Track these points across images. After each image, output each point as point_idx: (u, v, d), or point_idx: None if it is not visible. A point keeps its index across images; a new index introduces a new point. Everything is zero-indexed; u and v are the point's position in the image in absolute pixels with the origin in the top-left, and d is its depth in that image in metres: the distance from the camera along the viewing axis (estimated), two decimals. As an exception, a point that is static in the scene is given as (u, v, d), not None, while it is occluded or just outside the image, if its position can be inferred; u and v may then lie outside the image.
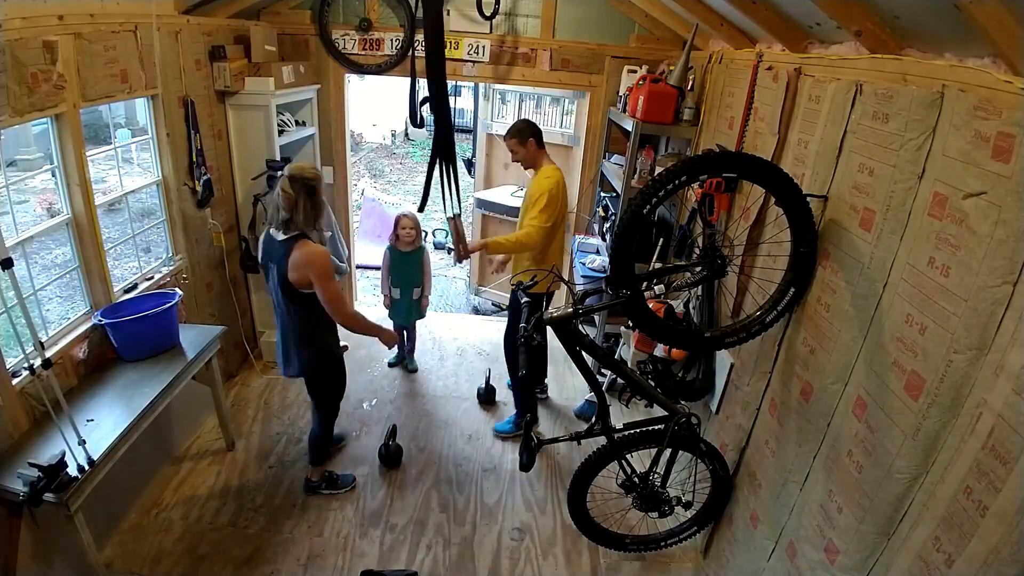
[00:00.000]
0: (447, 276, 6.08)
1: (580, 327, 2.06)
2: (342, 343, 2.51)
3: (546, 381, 3.67)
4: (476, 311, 5.19)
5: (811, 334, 1.82)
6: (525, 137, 2.91)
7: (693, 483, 2.27)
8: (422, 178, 3.15)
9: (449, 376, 3.89)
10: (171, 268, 2.97)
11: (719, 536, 2.38)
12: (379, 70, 3.75)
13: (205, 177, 3.07)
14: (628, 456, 2.22)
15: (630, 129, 3.09)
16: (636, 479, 2.23)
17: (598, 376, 2.51)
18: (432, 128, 2.85)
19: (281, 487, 2.82)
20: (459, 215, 2.89)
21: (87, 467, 1.91)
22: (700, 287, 2.46)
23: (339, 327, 2.48)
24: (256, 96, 3.23)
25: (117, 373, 2.42)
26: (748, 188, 2.32)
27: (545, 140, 3.00)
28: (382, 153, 12.01)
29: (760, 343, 2.06)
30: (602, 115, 3.86)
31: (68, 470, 1.84)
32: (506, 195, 4.87)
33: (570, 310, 1.95)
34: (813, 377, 1.78)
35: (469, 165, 5.41)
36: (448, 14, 3.64)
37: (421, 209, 3.12)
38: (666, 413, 2.12)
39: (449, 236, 4.31)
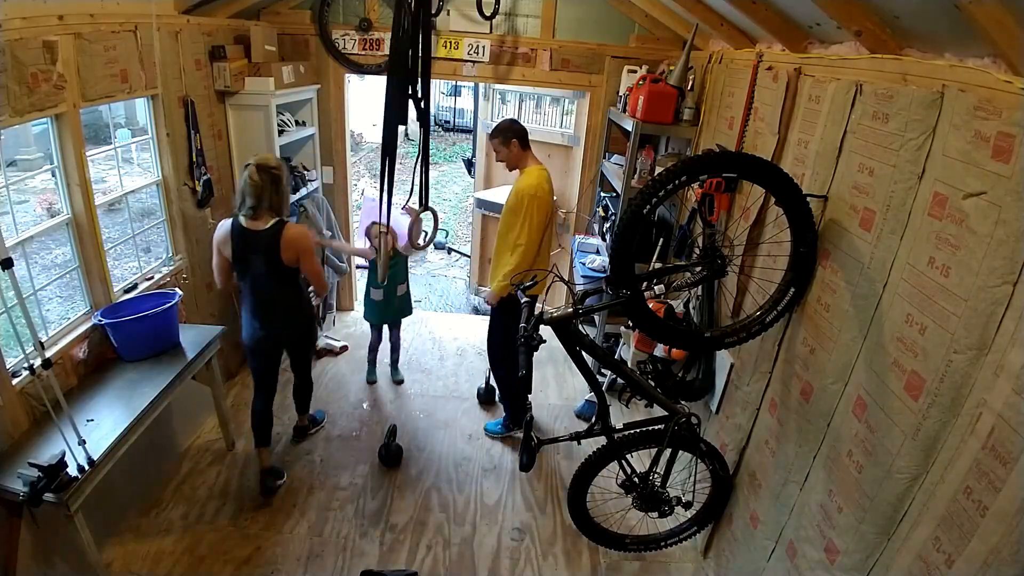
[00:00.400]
0: (447, 276, 6.08)
1: (580, 327, 2.06)
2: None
3: (529, 399, 3.09)
4: (476, 311, 5.19)
5: (811, 334, 1.82)
6: (508, 137, 2.84)
7: (693, 483, 2.27)
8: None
9: (449, 376, 3.89)
10: (171, 268, 2.97)
11: (719, 536, 2.38)
12: (379, 70, 3.74)
13: (205, 177, 3.07)
14: (628, 456, 2.22)
15: (630, 129, 3.09)
16: (636, 479, 2.22)
17: (598, 376, 2.51)
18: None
19: (281, 487, 2.82)
20: (416, 211, 2.86)
21: (87, 467, 1.91)
22: (700, 287, 2.46)
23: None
24: (256, 96, 3.23)
25: (117, 373, 2.42)
26: (748, 188, 2.32)
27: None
28: (382, 153, 11.98)
29: (760, 343, 2.06)
30: (602, 115, 3.86)
31: (68, 470, 1.84)
32: (506, 195, 4.86)
33: (570, 310, 1.95)
34: (813, 377, 1.78)
35: (469, 165, 5.41)
36: (448, 14, 3.65)
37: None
38: (666, 413, 2.12)
39: (450, 236, 4.31)
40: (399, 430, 3.15)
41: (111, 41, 2.35)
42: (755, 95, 2.39)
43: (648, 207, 1.58)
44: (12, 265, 1.67)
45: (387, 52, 3.72)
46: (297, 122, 3.71)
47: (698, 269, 1.97)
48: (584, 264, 3.64)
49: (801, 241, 1.75)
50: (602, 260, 3.64)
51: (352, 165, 5.51)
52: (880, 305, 1.50)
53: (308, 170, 3.83)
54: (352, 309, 4.65)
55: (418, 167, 2.50)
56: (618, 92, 3.64)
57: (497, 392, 3.56)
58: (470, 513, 2.77)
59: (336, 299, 4.42)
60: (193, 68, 2.96)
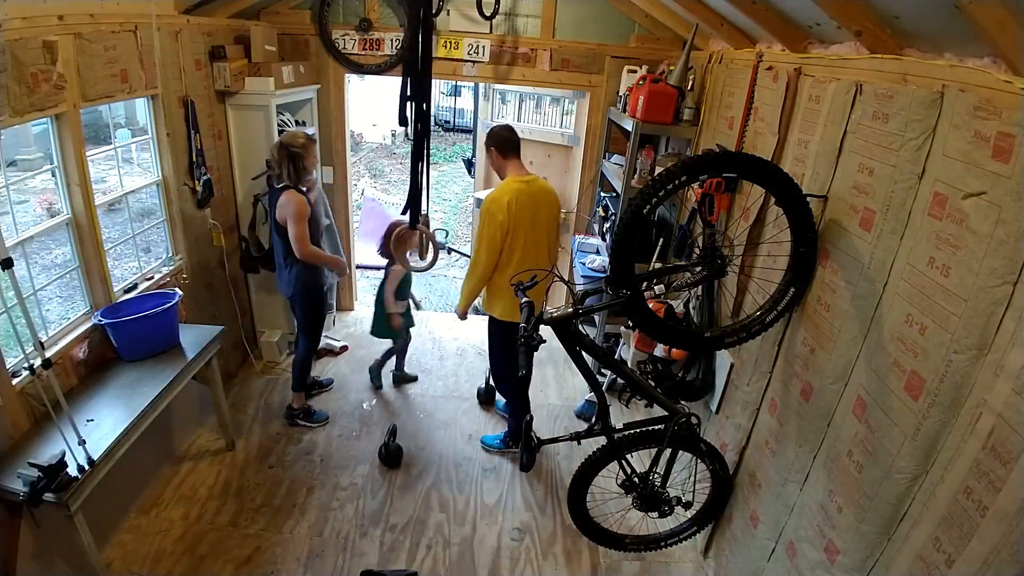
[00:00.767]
0: (447, 276, 6.08)
1: (580, 327, 2.05)
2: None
3: (531, 410, 3.09)
4: (476, 311, 5.18)
5: (811, 334, 1.82)
6: (487, 144, 2.77)
7: (693, 483, 2.27)
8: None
9: (449, 376, 3.89)
10: (171, 268, 2.97)
11: (719, 536, 2.38)
12: (379, 70, 3.75)
13: (205, 177, 3.07)
14: (628, 456, 2.22)
15: (630, 129, 3.09)
16: (636, 479, 2.22)
17: (598, 376, 2.51)
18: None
19: (281, 487, 2.82)
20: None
21: (87, 467, 1.91)
22: (700, 287, 2.46)
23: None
24: (256, 96, 3.23)
25: (117, 373, 2.42)
26: (748, 188, 2.32)
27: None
28: (382, 153, 12.02)
29: (760, 343, 2.06)
30: (602, 115, 3.86)
31: (68, 470, 1.84)
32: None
33: (570, 310, 1.95)
34: (813, 377, 1.78)
35: (469, 165, 5.41)
36: (448, 14, 3.65)
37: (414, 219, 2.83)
38: (666, 413, 2.12)
39: (450, 236, 4.31)
40: (399, 430, 3.15)
41: (111, 41, 2.35)
42: (755, 95, 2.39)
43: (648, 207, 1.58)
44: (12, 265, 1.67)
45: (387, 52, 3.72)
46: (297, 122, 3.71)
47: (698, 269, 1.97)
48: (584, 264, 3.64)
49: (801, 241, 1.75)
50: (602, 260, 3.64)
51: (352, 165, 5.51)
52: (880, 305, 1.50)
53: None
54: (352, 309, 4.65)
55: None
56: (618, 92, 3.64)
57: (499, 399, 3.55)
58: (470, 513, 2.77)
59: (336, 299, 4.42)
60: (193, 68, 2.96)
